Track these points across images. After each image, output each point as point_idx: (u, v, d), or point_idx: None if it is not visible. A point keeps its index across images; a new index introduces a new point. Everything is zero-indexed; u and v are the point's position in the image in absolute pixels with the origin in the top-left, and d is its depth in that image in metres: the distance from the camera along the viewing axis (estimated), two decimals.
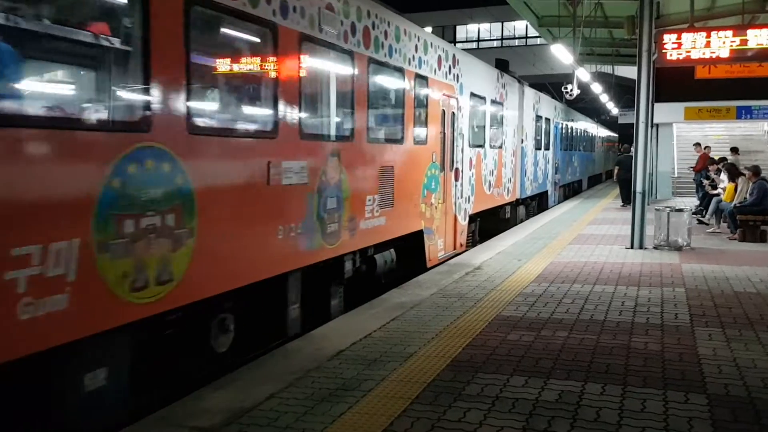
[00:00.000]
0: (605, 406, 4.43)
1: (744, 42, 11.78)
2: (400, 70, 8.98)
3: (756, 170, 13.52)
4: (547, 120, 20.98)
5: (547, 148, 20.89)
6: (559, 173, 23.49)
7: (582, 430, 4.05)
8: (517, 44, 46.77)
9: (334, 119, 7.55)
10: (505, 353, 5.61)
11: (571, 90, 21.46)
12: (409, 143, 9.32)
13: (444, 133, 10.73)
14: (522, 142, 17.06)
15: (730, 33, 11.93)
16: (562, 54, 17.19)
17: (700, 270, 9.71)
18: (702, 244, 12.49)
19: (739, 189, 13.96)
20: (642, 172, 12.11)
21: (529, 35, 45.77)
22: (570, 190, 27.61)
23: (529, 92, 18.18)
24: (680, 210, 12.23)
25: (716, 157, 18.86)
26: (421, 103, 9.80)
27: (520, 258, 10.66)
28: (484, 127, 13.51)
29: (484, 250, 11.54)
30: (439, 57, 10.64)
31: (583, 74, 21.21)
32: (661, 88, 21.79)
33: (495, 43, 48.47)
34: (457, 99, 11.40)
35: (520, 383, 4.87)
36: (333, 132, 7.47)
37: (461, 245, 11.79)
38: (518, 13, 20.92)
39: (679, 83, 23.21)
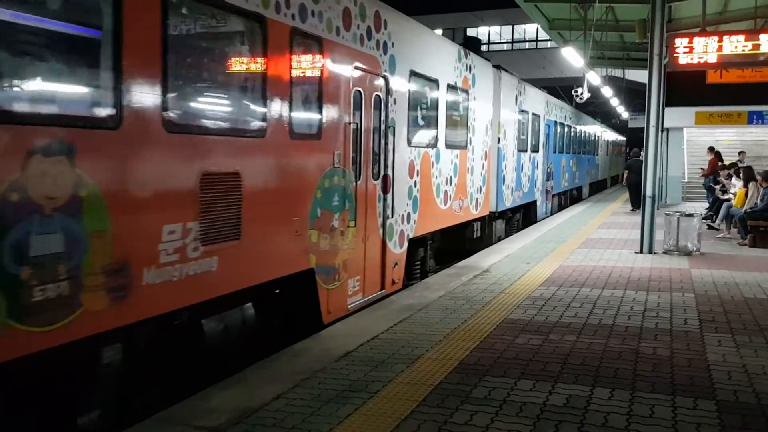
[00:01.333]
0: (613, 411, 4.40)
1: (756, 47, 11.72)
2: (254, 18, 5.55)
3: (767, 176, 13.43)
4: (536, 116, 17.60)
5: (535, 150, 17.65)
6: (553, 179, 20.30)
7: None
8: (527, 47, 46.69)
9: (65, 86, 4.12)
10: (512, 356, 5.59)
11: (582, 93, 21.38)
12: (279, 136, 5.92)
13: (358, 125, 7.29)
14: (499, 142, 13.76)
15: (742, 37, 11.88)
16: (572, 57, 17.13)
17: (710, 275, 9.65)
18: (712, 250, 12.41)
19: (749, 194, 13.87)
20: (652, 177, 12.05)
21: (539, 38, 45.69)
22: (567, 199, 24.67)
23: (509, 81, 14.69)
24: (690, 215, 12.16)
25: (727, 162, 18.75)
26: (308, 77, 6.50)
27: (529, 261, 10.62)
28: (437, 120, 10.01)
29: (492, 253, 11.50)
30: (347, 11, 7.14)
31: (593, 78, 21.14)
32: (672, 93, 21.70)
33: (505, 47, 48.42)
34: (385, 78, 7.94)
35: (527, 387, 4.85)
36: (54, 109, 3.95)
37: (395, 282, 8.52)
38: (529, 16, 20.88)
39: (690, 87, 23.12)
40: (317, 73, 6.57)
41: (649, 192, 12.07)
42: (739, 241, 13.46)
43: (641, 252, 11.84)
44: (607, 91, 26.75)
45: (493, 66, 13.72)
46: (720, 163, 19.14)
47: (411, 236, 9.02)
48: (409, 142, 8.86)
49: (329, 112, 6.74)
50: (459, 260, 10.84)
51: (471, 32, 49.13)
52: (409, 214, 8.96)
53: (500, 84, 13.75)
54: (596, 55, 23.82)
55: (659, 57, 11.89)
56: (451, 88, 10.64)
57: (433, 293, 8.11)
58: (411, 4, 22.39)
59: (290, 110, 6.03)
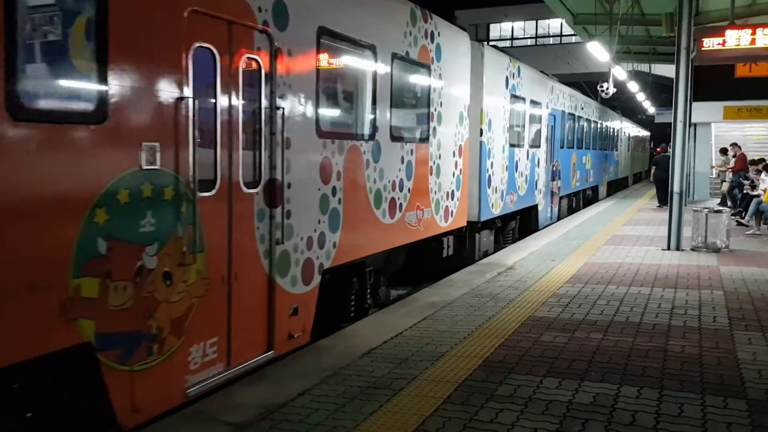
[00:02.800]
0: (641, 410, 4.35)
1: None
2: None
3: None
4: (536, 105, 14.58)
5: (535, 145, 14.65)
6: (561, 179, 17.35)
7: None
8: (551, 42, 46.27)
9: None
10: (538, 354, 5.55)
11: (607, 89, 21.14)
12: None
13: (202, 103, 4.64)
14: (482, 134, 10.91)
15: None
16: (598, 52, 16.94)
17: (739, 272, 9.49)
18: (741, 246, 12.20)
19: None
20: (679, 173, 11.88)
21: (564, 33, 45.26)
22: (580, 201, 21.81)
23: (497, 59, 11.76)
24: (719, 211, 11.96)
25: (756, 158, 18.41)
26: (53, 11, 3.95)
27: (554, 258, 10.54)
28: (374, 102, 7.23)
29: (517, 251, 11.43)
30: None
31: (619, 73, 20.89)
32: (700, 87, 21.32)
33: (529, 42, 48.04)
34: (268, 35, 5.33)
35: (553, 385, 4.81)
36: None
37: (294, 336, 5.74)
38: (553, 10, 20.65)
39: (718, 82, 22.71)
40: (90, 10, 3.89)
41: (676, 188, 11.90)
42: None
43: (668, 249, 11.68)
44: (633, 86, 26.44)
45: (475, 41, 11.06)
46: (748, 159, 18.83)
47: (329, 265, 6.29)
48: (320, 132, 6.07)
49: (126, 78, 4.03)
50: (435, 279, 9.07)
51: (494, 28, 48.92)
52: (323, 235, 6.17)
53: (483, 62, 10.83)
54: (622, 50, 23.48)
55: (686, 51, 11.70)
56: (400, 60, 7.81)
57: (456, 290, 8.08)
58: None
59: (8, 67, 3.34)
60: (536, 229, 14.69)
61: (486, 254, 11.45)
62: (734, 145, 20.42)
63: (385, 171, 7.47)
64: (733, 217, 14.45)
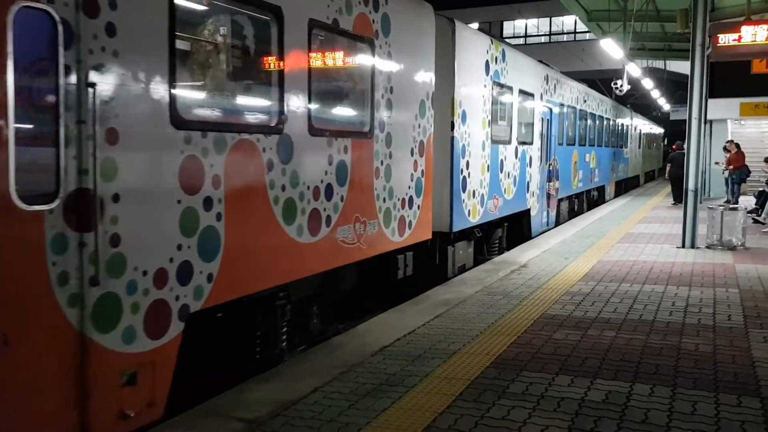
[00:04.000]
0: (654, 408, 4.34)
1: None
2: None
3: None
4: (527, 95, 12.59)
5: (526, 142, 12.62)
6: (558, 180, 15.33)
7: (630, 431, 3.98)
8: (565, 40, 46.04)
9: None
10: (550, 352, 5.54)
11: (621, 86, 21.03)
12: None
13: None
14: (453, 128, 9.07)
15: None
16: (611, 49, 16.87)
17: (755, 270, 9.41)
18: (757, 244, 12.09)
19: None
20: (694, 170, 11.80)
21: (577, 30, 45.01)
22: (584, 203, 19.90)
23: (474, 40, 9.88)
24: (734, 208, 11.87)
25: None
26: None
27: (567, 256, 10.51)
28: (281, 84, 5.48)
29: (530, 248, 11.40)
30: None
31: (633, 69, 20.77)
32: (716, 84, 21.15)
33: (543, 39, 47.84)
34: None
35: (565, 382, 4.81)
36: None
37: (129, 415, 3.97)
38: (567, 7, 20.56)
39: (734, 78, 22.49)
40: None
41: (691, 186, 11.83)
42: None
43: (683, 247, 11.61)
44: (647, 83, 26.27)
45: (446, 19, 9.15)
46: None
47: (200, 307, 4.56)
48: (178, 121, 4.32)
49: None
50: (396, 303, 7.58)
51: (508, 25, 48.76)
52: (187, 266, 4.41)
53: (454, 42, 9.02)
54: (636, 47, 23.35)
55: (702, 47, 11.61)
56: (323, 29, 6.11)
57: (470, 288, 8.08)
58: None
59: None
60: (529, 237, 12.91)
61: (464, 269, 9.69)
62: (730, 142, 20.12)
63: (301, 174, 5.63)
64: (749, 214, 14.32)
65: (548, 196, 14.39)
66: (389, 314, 6.93)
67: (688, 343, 5.82)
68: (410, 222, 7.91)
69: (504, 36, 46.30)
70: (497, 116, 10.98)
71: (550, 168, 14.53)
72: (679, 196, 19.02)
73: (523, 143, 12.46)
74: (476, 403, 4.43)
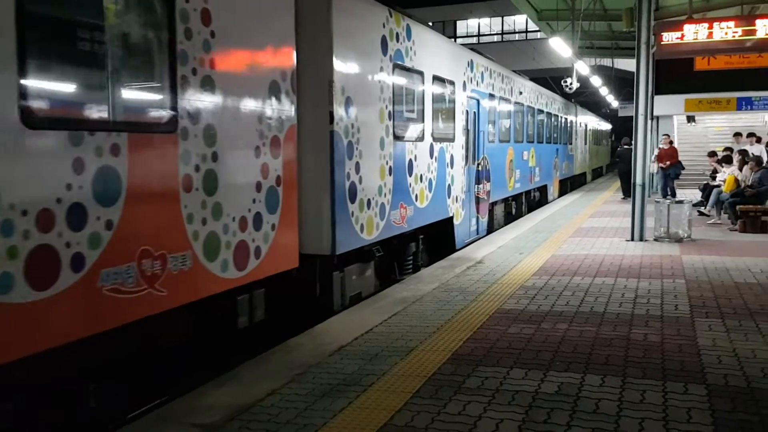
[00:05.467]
0: (604, 398, 4.45)
1: (751, 32, 11.73)
2: None
3: (759, 161, 13.65)
4: (444, 83, 10.61)
5: (445, 138, 10.64)
6: (490, 181, 13.50)
7: (581, 422, 4.07)
8: (517, 39, 46.71)
9: None
10: (505, 346, 5.63)
11: (571, 83, 21.44)
12: None
13: None
14: (333, 121, 7.00)
15: (732, 23, 11.93)
16: (560, 47, 17.19)
17: (701, 261, 9.72)
18: (702, 236, 12.49)
19: (742, 176, 14.07)
20: (641, 165, 12.12)
21: (529, 29, 45.72)
22: (523, 205, 18.07)
23: (362, 9, 7.98)
24: (680, 202, 12.24)
25: (718, 149, 18.83)
26: None
27: (522, 251, 10.67)
28: None
29: (486, 244, 11.55)
30: None
31: (582, 67, 21.20)
32: (661, 81, 21.80)
33: (495, 38, 48.43)
34: None
35: (520, 376, 4.90)
36: None
37: None
38: (517, 7, 20.92)
39: (678, 75, 23.21)
40: None
41: (639, 180, 12.13)
42: (729, 226, 13.55)
43: (632, 240, 11.91)
44: (596, 81, 26.86)
45: None
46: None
47: None
48: None
49: None
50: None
51: (461, 25, 49.20)
52: None
53: (331, 9, 6.95)
54: (585, 45, 23.89)
55: (647, 45, 11.93)
56: None
57: (426, 285, 8.15)
58: None
59: None
60: (453, 250, 11.16)
61: (360, 297, 7.96)
62: (666, 136, 20.51)
63: (4, 193, 3.64)
64: (694, 207, 14.78)
65: (478, 200, 12.68)
66: (347, 314, 6.94)
67: (637, 333, 5.98)
68: (258, 249, 5.86)
69: (457, 35, 46.74)
70: (402, 107, 8.96)
71: (480, 168, 12.72)
72: (627, 190, 19.53)
73: (441, 140, 10.46)
74: (433, 399, 4.47)
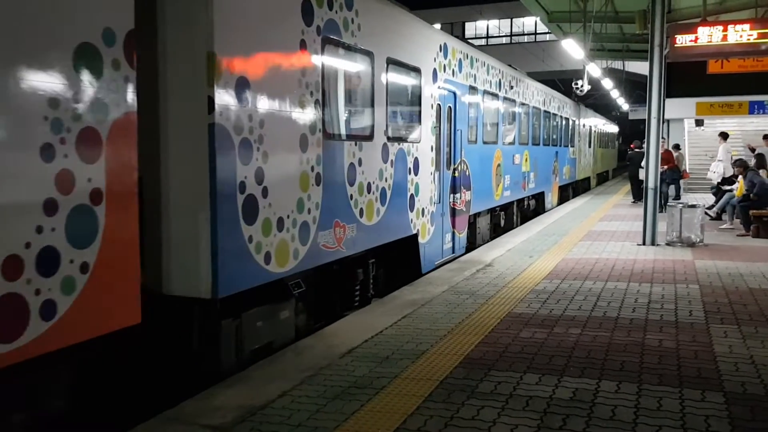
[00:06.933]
0: (621, 404, 4.38)
1: (767, 35, 11.62)
2: None
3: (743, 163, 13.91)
4: (406, 70, 8.68)
5: (405, 138, 8.71)
6: (470, 190, 11.43)
7: (598, 429, 4.00)
8: (526, 41, 46.59)
9: None
10: (517, 351, 5.56)
11: (582, 86, 21.33)
12: None
13: None
14: (214, 109, 4.97)
15: (747, 26, 11.82)
16: (572, 49, 17.09)
17: (714, 266, 9.62)
18: (715, 241, 12.37)
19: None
20: (654, 168, 12.02)
21: (538, 32, 45.59)
22: (515, 215, 15.82)
23: None
24: (693, 206, 12.13)
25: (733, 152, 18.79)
26: None
27: (531, 255, 10.59)
28: None
29: (495, 247, 11.47)
30: None
31: (593, 70, 21.09)
32: (673, 84, 21.63)
33: (504, 40, 48.32)
34: None
35: (533, 381, 4.83)
36: None
37: None
38: (528, 8, 20.78)
39: (691, 78, 23.06)
40: None
41: (651, 184, 12.03)
42: (740, 232, 13.42)
43: (644, 244, 11.81)
44: (607, 83, 26.73)
45: None
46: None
47: None
48: None
49: None
50: None
51: (469, 26, 49.12)
52: None
53: None
54: (596, 48, 23.73)
55: (660, 48, 11.83)
56: None
57: (436, 288, 8.08)
58: None
59: None
60: (419, 274, 9.08)
61: (271, 349, 5.84)
62: (662, 139, 20.34)
63: None
64: (707, 211, 14.67)
65: (454, 212, 10.63)
66: (356, 316, 6.88)
67: (652, 339, 5.90)
68: (48, 305, 3.77)
69: (466, 37, 46.64)
70: (338, 96, 7.04)
71: (456, 174, 10.67)
72: (637, 194, 19.40)
73: (401, 140, 8.51)
74: (445, 403, 4.41)
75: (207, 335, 5.32)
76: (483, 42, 47.05)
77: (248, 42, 5.41)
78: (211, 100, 4.97)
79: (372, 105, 7.68)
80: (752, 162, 15.20)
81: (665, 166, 18.65)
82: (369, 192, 7.61)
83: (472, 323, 6.44)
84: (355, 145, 7.25)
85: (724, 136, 19.52)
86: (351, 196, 7.19)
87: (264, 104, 5.60)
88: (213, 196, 5.01)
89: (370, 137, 7.62)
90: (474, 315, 6.76)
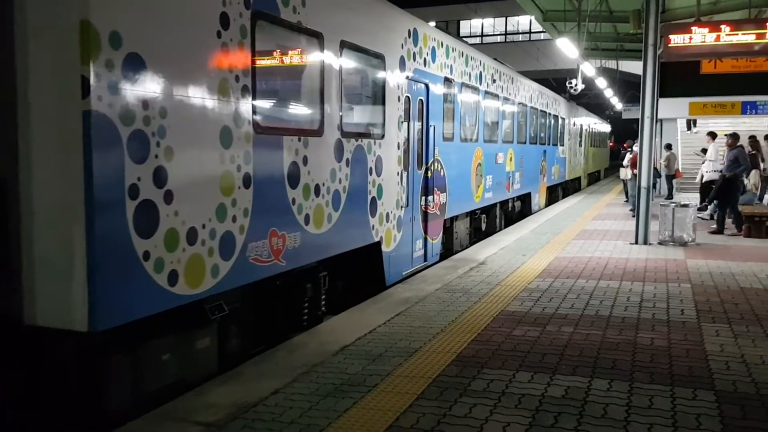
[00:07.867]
0: (612, 402, 4.40)
1: (761, 36, 11.65)
2: None
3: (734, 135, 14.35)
4: (366, 56, 7.74)
5: (365, 133, 7.78)
6: (446, 192, 10.45)
7: (589, 427, 4.01)
8: (521, 39, 46.64)
9: None
10: (510, 348, 5.57)
11: (576, 85, 21.36)
12: None
13: None
14: (90, 93, 3.88)
15: (741, 27, 11.86)
16: (567, 48, 17.13)
17: (706, 266, 9.66)
18: (707, 240, 12.42)
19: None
20: (647, 168, 12.06)
21: (532, 30, 45.65)
22: (498, 218, 14.73)
23: None
24: (685, 205, 12.18)
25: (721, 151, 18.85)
26: None
27: (525, 253, 10.61)
28: None
29: (488, 246, 11.49)
30: None
31: (587, 69, 21.13)
32: (666, 83, 21.63)
33: (499, 39, 48.36)
34: None
35: (526, 379, 4.84)
36: None
37: None
38: (523, 7, 20.82)
39: (684, 78, 23.09)
40: None
41: (644, 183, 12.08)
42: (733, 231, 13.48)
43: (636, 243, 11.85)
44: (601, 83, 26.80)
45: None
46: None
47: None
48: None
49: None
50: None
51: (464, 25, 49.13)
52: None
53: None
54: (590, 47, 23.78)
55: (654, 47, 11.87)
56: None
57: (429, 286, 8.09)
58: None
59: None
60: (381, 288, 8.14)
61: (185, 386, 4.90)
62: (632, 142, 20.31)
63: None
64: (699, 211, 14.70)
65: (426, 216, 9.68)
66: (350, 313, 6.88)
67: (644, 337, 5.92)
68: None
69: (461, 35, 46.65)
70: (274, 83, 6.30)
71: (430, 175, 9.72)
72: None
73: (359, 135, 7.55)
74: (438, 401, 4.41)
75: (85, 375, 4.33)
76: (478, 40, 47.06)
77: (143, 10, 4.27)
78: (85, 82, 3.86)
79: (321, 95, 6.58)
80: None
81: (635, 170, 18.68)
82: (317, 195, 6.54)
83: (465, 321, 6.45)
84: (299, 141, 6.18)
85: (712, 135, 19.80)
86: (293, 200, 6.12)
87: (167, 89, 4.49)
88: (90, 202, 3.93)
89: (318, 132, 6.55)
90: (467, 313, 6.77)
